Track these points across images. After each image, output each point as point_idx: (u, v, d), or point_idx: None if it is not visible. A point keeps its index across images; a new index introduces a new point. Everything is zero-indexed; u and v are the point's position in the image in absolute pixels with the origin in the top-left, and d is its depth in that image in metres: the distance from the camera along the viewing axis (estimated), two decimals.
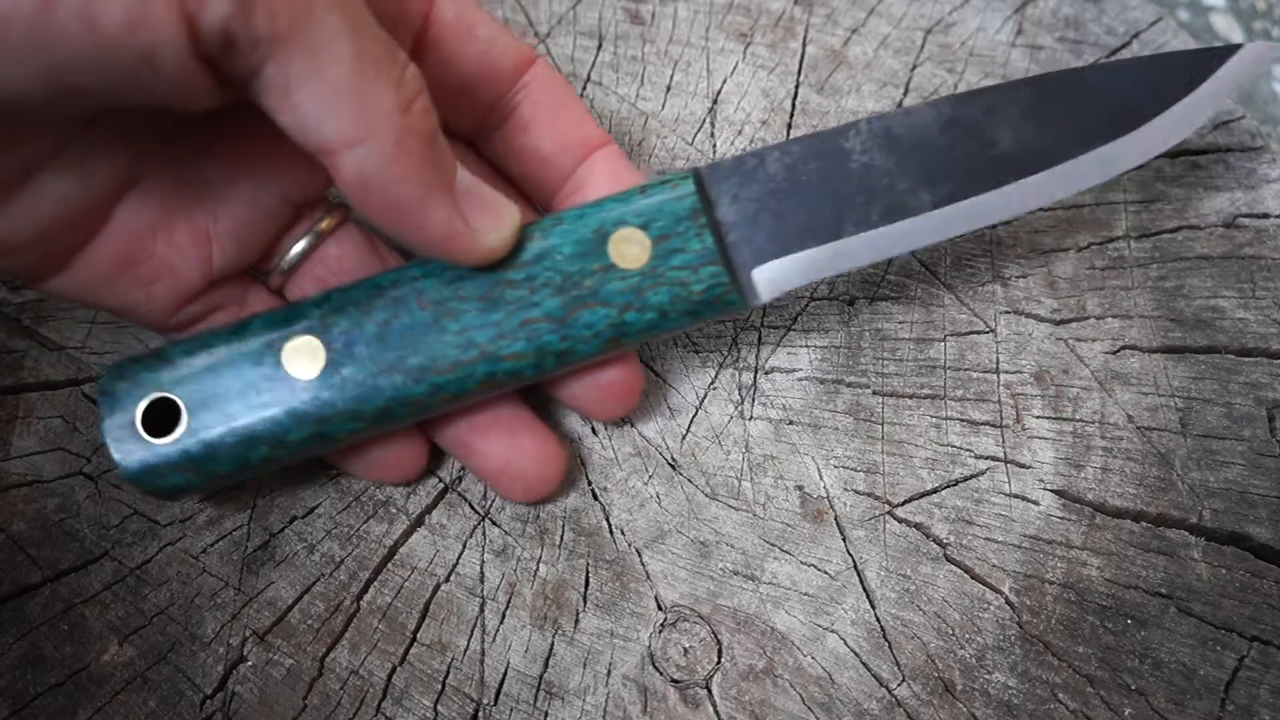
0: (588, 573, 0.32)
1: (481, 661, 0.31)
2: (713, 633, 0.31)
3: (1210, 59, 0.33)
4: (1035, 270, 0.37)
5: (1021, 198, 0.31)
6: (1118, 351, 0.35)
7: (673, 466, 0.34)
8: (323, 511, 0.33)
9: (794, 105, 0.41)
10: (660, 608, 0.32)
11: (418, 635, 0.31)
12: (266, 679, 0.30)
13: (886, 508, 0.33)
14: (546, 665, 0.31)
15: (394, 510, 0.33)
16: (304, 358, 0.28)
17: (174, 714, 0.30)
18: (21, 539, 0.32)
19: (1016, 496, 0.33)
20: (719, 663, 0.31)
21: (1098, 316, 0.36)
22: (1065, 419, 0.34)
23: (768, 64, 0.42)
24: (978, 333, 0.36)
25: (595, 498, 0.33)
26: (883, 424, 0.34)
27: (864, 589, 0.32)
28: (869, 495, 0.33)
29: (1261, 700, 0.30)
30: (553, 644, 0.31)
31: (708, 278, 0.29)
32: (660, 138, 0.40)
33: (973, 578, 0.32)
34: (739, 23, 0.43)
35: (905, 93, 0.41)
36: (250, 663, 0.31)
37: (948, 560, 0.32)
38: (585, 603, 0.32)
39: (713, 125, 0.40)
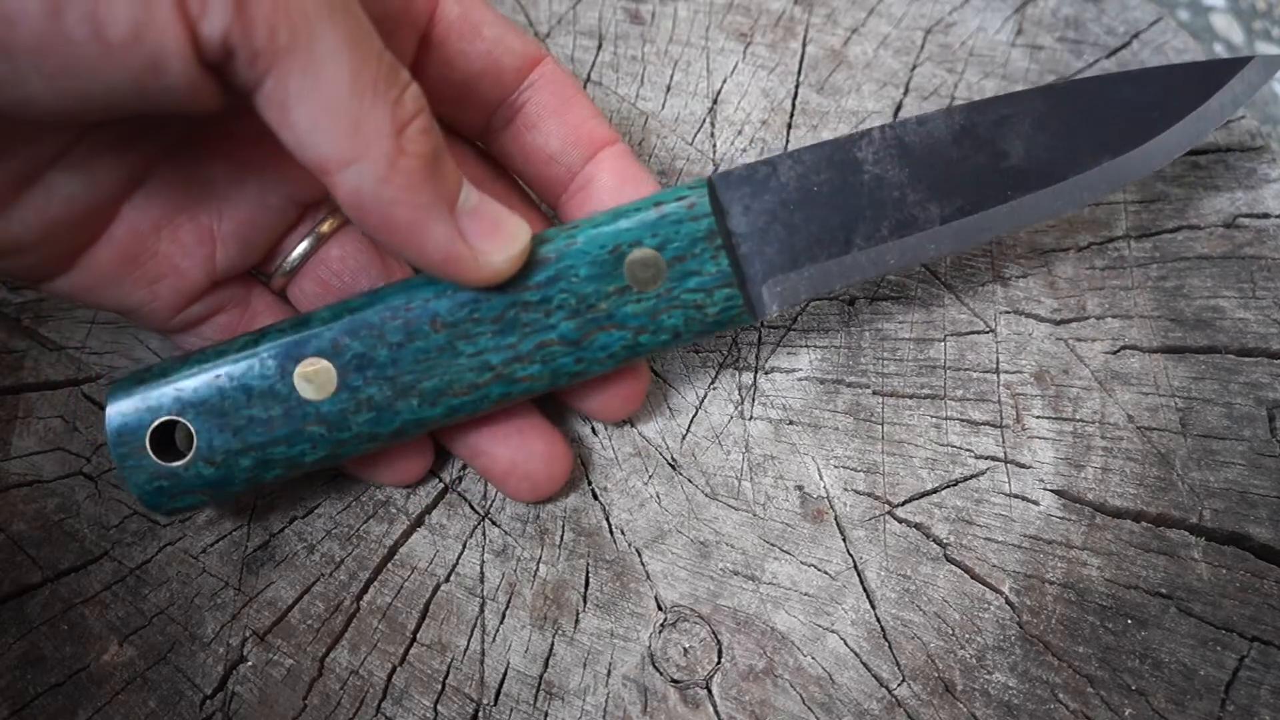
0: (588, 573, 0.32)
1: (481, 661, 0.31)
2: (713, 633, 0.31)
3: (1220, 71, 0.33)
4: (1035, 270, 0.37)
5: (1028, 212, 0.31)
6: (1118, 351, 0.35)
7: (673, 466, 0.34)
8: (323, 511, 0.33)
9: (794, 105, 0.41)
10: (660, 608, 0.32)
11: (418, 635, 0.31)
12: (266, 679, 0.30)
13: (886, 508, 0.33)
14: (546, 665, 0.31)
15: (394, 510, 0.33)
16: (316, 380, 0.28)
17: (174, 714, 0.30)
18: (21, 539, 0.32)
19: (1016, 496, 0.33)
20: (719, 663, 0.31)
21: (1098, 316, 0.36)
22: (1065, 419, 0.34)
23: (768, 64, 0.42)
24: (978, 333, 0.36)
25: (595, 498, 0.33)
26: (883, 424, 0.34)
27: (864, 589, 0.32)
28: (869, 495, 0.33)
29: (1262, 700, 0.30)
30: (553, 644, 0.31)
31: (722, 300, 0.29)
32: (660, 138, 0.40)
33: (973, 578, 0.32)
34: (739, 23, 0.43)
35: (905, 93, 0.41)
36: (250, 663, 0.31)
37: (948, 560, 0.32)
38: (585, 603, 0.32)
39: (713, 125, 0.40)
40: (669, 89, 0.41)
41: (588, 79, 0.41)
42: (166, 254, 0.29)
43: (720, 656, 0.31)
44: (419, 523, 0.33)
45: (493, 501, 0.33)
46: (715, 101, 0.41)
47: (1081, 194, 0.32)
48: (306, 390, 0.28)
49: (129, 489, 0.28)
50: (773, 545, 0.32)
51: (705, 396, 0.35)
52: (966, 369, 0.35)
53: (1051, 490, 0.33)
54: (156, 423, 0.28)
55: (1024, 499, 0.33)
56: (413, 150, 0.24)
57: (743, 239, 0.30)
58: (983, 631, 0.31)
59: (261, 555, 0.32)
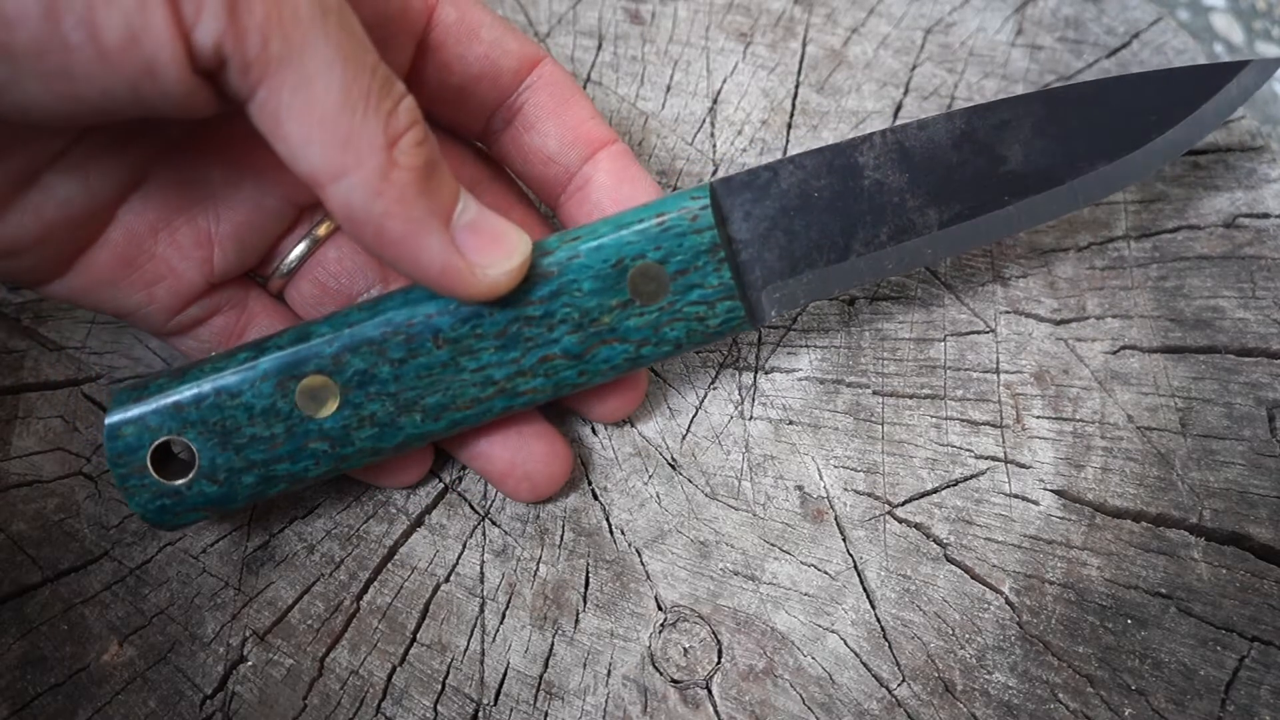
0: (588, 573, 0.32)
1: (481, 661, 0.31)
2: (713, 633, 0.31)
3: (1217, 75, 0.33)
4: (1035, 270, 0.37)
5: (1026, 216, 0.32)
6: (1118, 351, 0.35)
7: (673, 466, 0.34)
8: (323, 511, 0.33)
9: (794, 105, 0.41)
10: (660, 608, 0.32)
11: (418, 635, 0.31)
12: (266, 679, 0.30)
13: (886, 508, 0.33)
14: (546, 665, 0.31)
15: (394, 510, 0.33)
16: (318, 397, 0.28)
17: (174, 714, 0.30)
18: (21, 539, 0.32)
19: (1016, 496, 0.33)
20: (719, 663, 0.31)
21: (1098, 316, 0.36)
22: (1065, 419, 0.34)
23: (768, 64, 0.42)
24: (978, 333, 0.36)
25: (595, 498, 0.33)
26: (883, 424, 0.34)
27: (864, 589, 0.32)
28: (869, 495, 0.33)
29: (1262, 700, 0.30)
30: (553, 644, 0.31)
31: (724, 312, 0.29)
32: (660, 138, 0.40)
33: (973, 578, 0.32)
34: (739, 23, 0.43)
35: (905, 93, 0.41)
36: (250, 663, 0.31)
37: (948, 560, 0.32)
38: (585, 603, 0.32)
39: (713, 125, 0.40)
40: (669, 89, 0.41)
41: (588, 79, 0.41)
42: (164, 257, 0.29)
43: (720, 656, 0.31)
44: (419, 523, 0.33)
45: (493, 501, 0.33)
46: (715, 101, 0.41)
47: (1079, 197, 0.32)
48: (308, 408, 0.28)
49: (131, 508, 0.28)
50: (773, 545, 0.32)
51: (705, 396, 0.35)
52: (966, 369, 0.35)
53: (1051, 490, 0.33)
54: (157, 443, 0.28)
55: (1024, 499, 0.33)
56: (405, 163, 0.24)
57: (743, 245, 0.30)
58: (983, 631, 0.31)
59: (261, 555, 0.32)
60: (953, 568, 0.32)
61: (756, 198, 0.30)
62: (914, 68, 0.41)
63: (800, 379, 0.35)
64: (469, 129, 0.33)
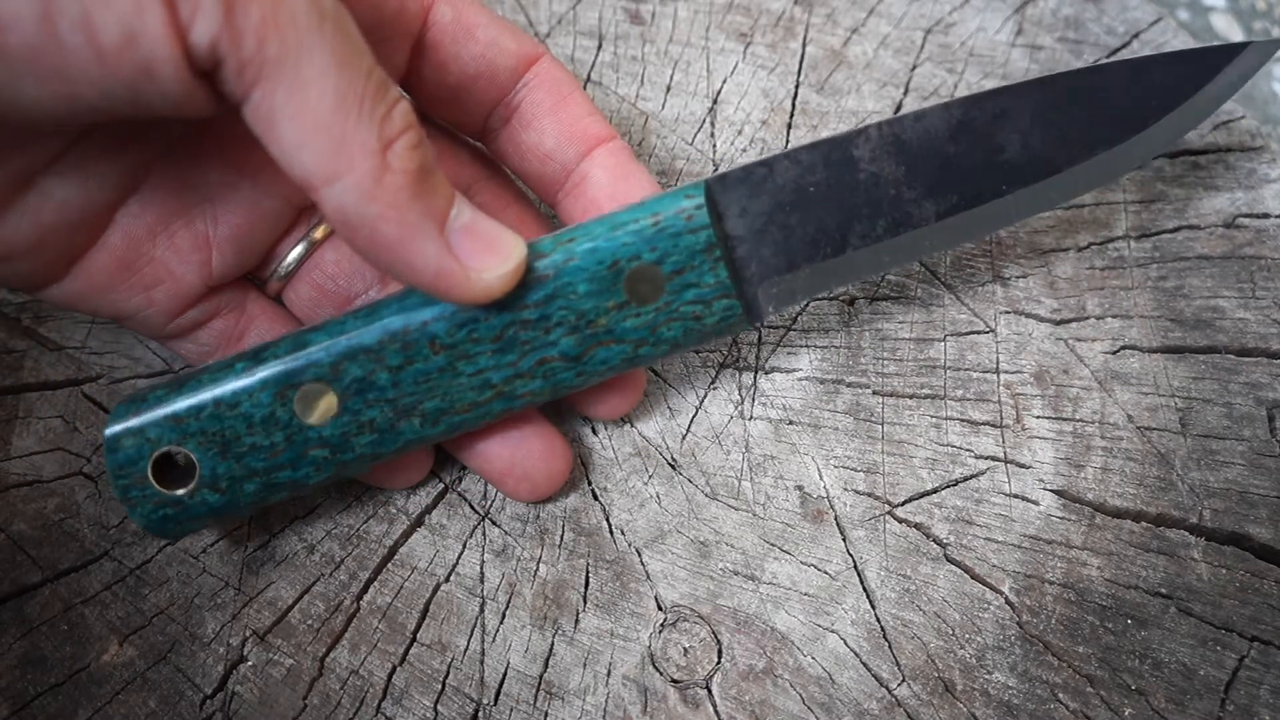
0: (588, 573, 0.32)
1: (481, 661, 0.31)
2: (713, 633, 0.31)
3: (1215, 58, 0.33)
4: (1035, 270, 0.37)
5: (1025, 205, 0.31)
6: (1118, 351, 0.35)
7: (673, 466, 0.34)
8: (323, 511, 0.33)
9: (794, 105, 0.41)
10: (660, 608, 0.32)
11: (418, 635, 0.31)
12: (266, 679, 0.30)
13: (886, 508, 0.33)
14: (546, 665, 0.31)
15: (394, 510, 0.33)
16: (316, 405, 0.28)
17: (174, 714, 0.30)
18: (21, 539, 0.32)
19: (1016, 496, 0.33)
20: (719, 663, 0.31)
21: (1098, 316, 0.36)
22: (1065, 419, 0.34)
23: (768, 64, 0.42)
24: (978, 333, 0.36)
25: (595, 498, 0.33)
26: (883, 424, 0.34)
27: (864, 589, 0.32)
28: (869, 495, 0.33)
29: (1261, 700, 0.30)
30: (553, 644, 0.31)
31: (721, 310, 0.29)
32: (660, 138, 0.40)
33: (973, 578, 0.32)
34: (739, 23, 0.43)
35: (905, 93, 0.41)
36: (250, 663, 0.31)
37: (948, 560, 0.32)
38: (585, 603, 0.32)
39: (713, 125, 0.40)
40: (669, 89, 0.41)
41: (588, 79, 0.41)
42: (162, 260, 0.29)
43: (720, 656, 0.31)
44: (419, 523, 0.33)
45: (493, 501, 0.33)
46: (715, 101, 0.41)
47: (1079, 185, 0.32)
48: (307, 415, 0.28)
49: (133, 520, 0.28)
50: (773, 545, 0.32)
51: (705, 396, 0.35)
52: (966, 369, 0.35)
53: (1051, 490, 0.33)
54: (157, 454, 0.28)
55: (1024, 499, 0.33)
56: (399, 167, 0.24)
57: (740, 242, 0.30)
58: (983, 631, 0.31)
59: (261, 555, 0.32)
60: (953, 568, 0.32)
61: (752, 193, 0.30)
62: (914, 68, 0.41)
63: (800, 379, 0.35)
64: (467, 128, 0.33)
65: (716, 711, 0.30)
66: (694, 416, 0.35)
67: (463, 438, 0.31)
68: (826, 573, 0.32)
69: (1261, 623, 0.31)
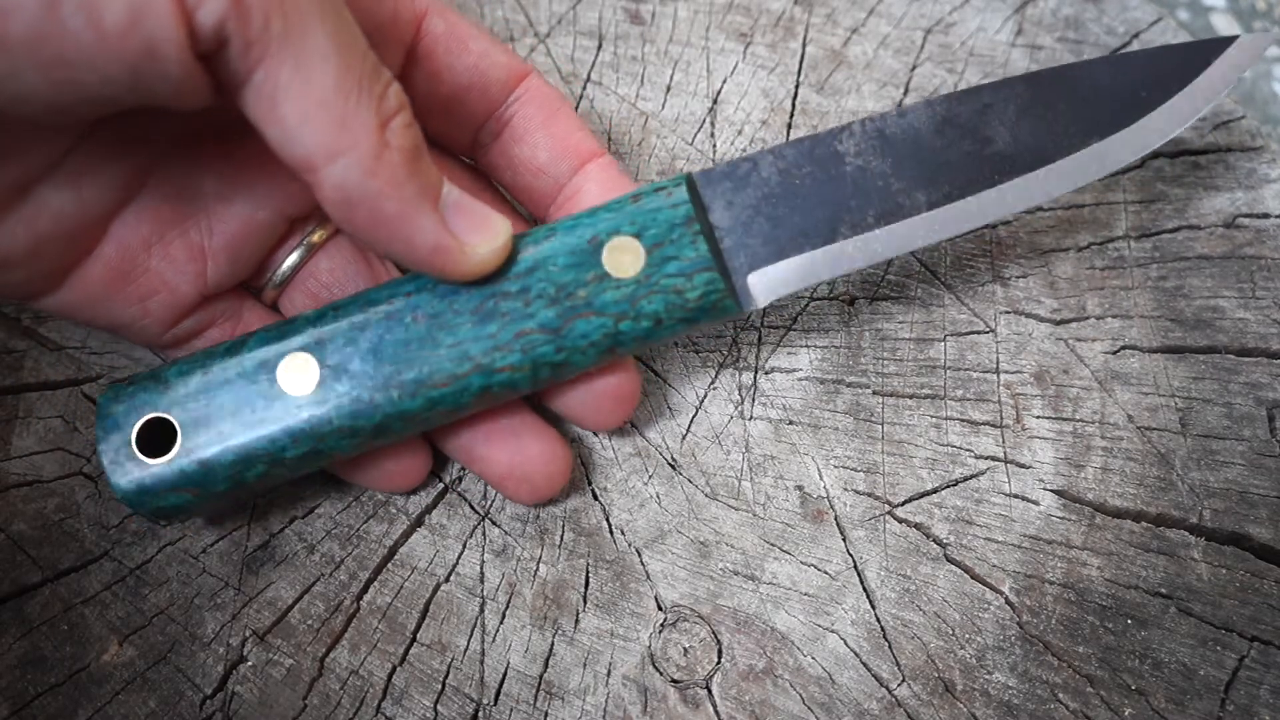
0: (588, 573, 0.32)
1: (481, 661, 0.31)
2: (713, 633, 0.31)
3: (1207, 50, 0.33)
4: (1035, 270, 0.37)
5: (1018, 196, 0.31)
6: (1118, 351, 0.35)
7: (673, 466, 0.34)
8: (323, 511, 0.33)
9: (794, 105, 0.41)
10: (660, 608, 0.32)
11: (418, 635, 0.31)
12: (266, 679, 0.30)
13: (886, 508, 0.33)
14: (546, 665, 0.31)
15: (394, 510, 0.33)
16: (299, 375, 0.28)
17: (174, 714, 0.30)
18: (21, 539, 0.32)
19: (1016, 496, 0.33)
20: (719, 663, 0.31)
21: (1098, 316, 0.36)
22: (1065, 419, 0.34)
23: (768, 64, 0.42)
24: (978, 333, 0.36)
25: (595, 498, 0.33)
26: (883, 424, 0.34)
27: (864, 589, 0.32)
28: (869, 495, 0.33)
29: (1261, 700, 0.30)
30: (553, 644, 0.31)
31: (702, 284, 0.29)
32: (660, 138, 0.40)
33: (973, 578, 0.32)
34: (739, 23, 0.43)
35: (905, 93, 0.41)
36: (250, 663, 0.31)
37: (948, 560, 0.32)
38: (585, 603, 0.32)
39: (713, 125, 0.40)
40: (669, 89, 0.41)
41: (588, 79, 0.41)
42: (158, 271, 0.30)
43: (720, 656, 0.31)
44: (419, 523, 0.33)
45: (493, 501, 0.33)
46: (715, 101, 0.41)
47: (1073, 176, 0.31)
48: (290, 385, 0.28)
49: (112, 488, 0.28)
50: (773, 545, 0.32)
51: (705, 396, 0.35)
52: (966, 369, 0.35)
53: (1051, 490, 0.33)
54: (143, 420, 0.28)
55: (1024, 499, 0.33)
56: (396, 144, 0.25)
57: (726, 233, 0.30)
58: (983, 631, 0.31)
59: (261, 555, 0.32)
60: (953, 568, 0.32)
61: (737, 187, 0.30)
62: (914, 68, 0.41)
63: (800, 379, 0.35)
64: (458, 141, 0.33)
65: (716, 711, 0.30)
66: (694, 416, 0.35)
67: (460, 440, 0.31)
68: (826, 573, 0.32)
69: (1261, 623, 0.31)
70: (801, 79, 0.41)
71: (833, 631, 0.31)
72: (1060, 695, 0.30)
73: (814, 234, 0.30)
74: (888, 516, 0.33)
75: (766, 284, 0.30)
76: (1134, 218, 0.38)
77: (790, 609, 0.32)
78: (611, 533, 0.33)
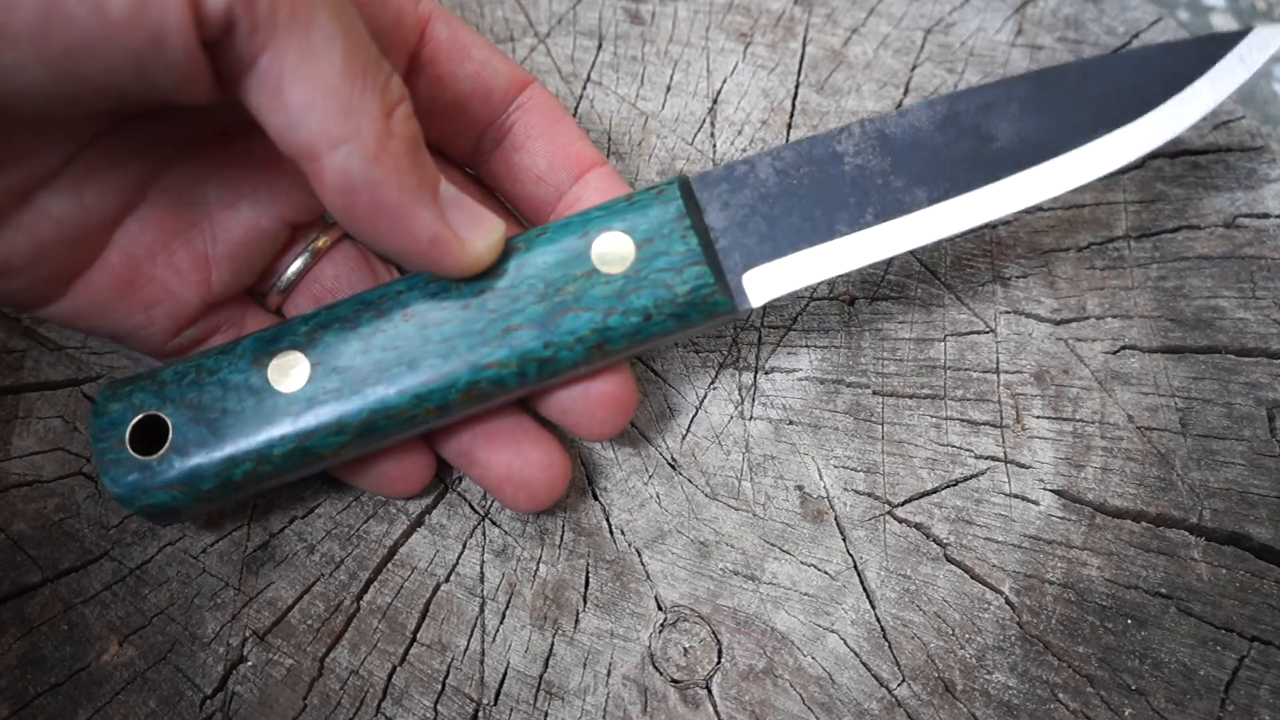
0: (588, 573, 0.32)
1: (481, 661, 0.31)
2: (713, 633, 0.31)
3: (1217, 45, 0.32)
4: (1035, 270, 0.37)
5: (1024, 191, 0.30)
6: (1118, 351, 0.35)
7: (673, 466, 0.34)
8: (323, 511, 0.33)
9: (794, 105, 0.41)
10: (660, 608, 0.32)
11: (418, 635, 0.31)
12: (266, 679, 0.30)
13: (886, 508, 0.33)
14: (546, 665, 0.31)
15: (394, 510, 0.33)
16: (289, 373, 0.28)
17: (174, 714, 0.30)
18: (21, 539, 0.32)
19: (1016, 496, 0.33)
20: (719, 663, 0.31)
21: (1098, 316, 0.36)
22: (1065, 419, 0.34)
23: (768, 64, 0.42)
24: (978, 333, 0.36)
25: (595, 498, 0.33)
26: (883, 424, 0.34)
27: (864, 589, 0.32)
28: (869, 495, 0.33)
29: (1261, 700, 0.30)
30: (553, 644, 0.31)
31: (692, 279, 0.28)
32: (660, 138, 0.40)
33: (973, 578, 0.32)
34: (739, 23, 0.43)
35: (905, 93, 0.41)
36: (250, 663, 0.31)
37: (948, 560, 0.32)
38: (585, 603, 0.32)
39: (713, 125, 0.40)
40: (669, 89, 0.41)
41: (588, 79, 0.41)
42: (162, 279, 0.30)
43: (720, 656, 0.31)
44: (419, 523, 0.33)
45: (493, 502, 0.33)
46: (715, 101, 0.41)
47: (1080, 171, 0.30)
48: (280, 382, 0.28)
49: (104, 483, 0.28)
50: (773, 545, 0.32)
51: (705, 396, 0.35)
52: (966, 369, 0.35)
53: (1051, 490, 0.33)
54: (138, 418, 0.28)
55: (1024, 499, 0.33)
56: (399, 133, 0.25)
57: (721, 233, 0.30)
58: (983, 631, 0.31)
59: (261, 555, 0.32)
60: (953, 568, 0.32)
61: (733, 189, 0.30)
62: (914, 68, 0.41)
63: (800, 379, 0.35)
64: (459, 149, 0.33)
65: (716, 711, 0.30)
66: (694, 416, 0.35)
67: (458, 444, 0.31)
68: (826, 573, 0.32)
69: (1261, 623, 0.31)
70: (801, 79, 0.41)
71: (833, 631, 0.31)
72: (1060, 695, 0.30)
73: (811, 232, 0.30)
74: (888, 516, 0.33)
75: (763, 283, 0.30)
76: (1134, 218, 0.38)
77: (790, 609, 0.32)
78: (611, 533, 0.33)
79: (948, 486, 0.33)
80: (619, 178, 0.32)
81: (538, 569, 0.32)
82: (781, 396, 0.35)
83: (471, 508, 0.33)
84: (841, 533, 0.33)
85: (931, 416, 0.34)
